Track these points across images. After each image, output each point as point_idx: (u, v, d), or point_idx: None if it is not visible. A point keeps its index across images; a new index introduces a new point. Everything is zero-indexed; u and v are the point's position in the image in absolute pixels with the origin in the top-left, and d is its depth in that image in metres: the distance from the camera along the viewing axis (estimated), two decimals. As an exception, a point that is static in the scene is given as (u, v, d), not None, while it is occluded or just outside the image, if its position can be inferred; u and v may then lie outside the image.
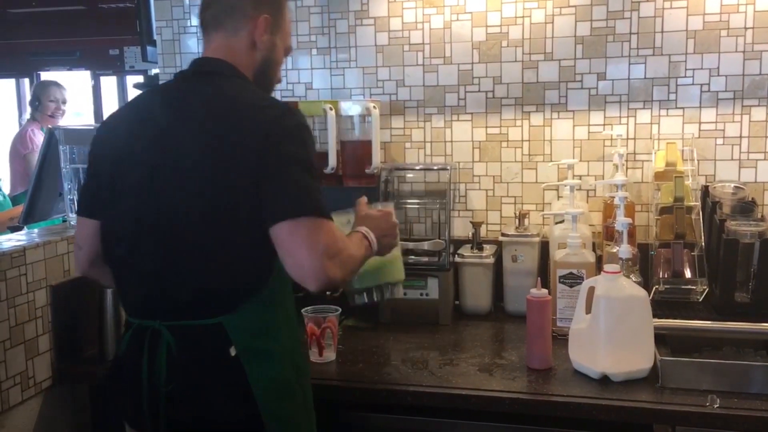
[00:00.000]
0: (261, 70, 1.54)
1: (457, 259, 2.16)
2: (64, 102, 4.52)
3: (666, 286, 1.95)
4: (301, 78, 2.45)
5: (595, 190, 2.26)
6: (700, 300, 1.94)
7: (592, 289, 1.69)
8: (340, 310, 1.85)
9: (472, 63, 2.30)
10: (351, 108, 2.30)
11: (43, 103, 4.46)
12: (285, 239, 1.32)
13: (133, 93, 6.92)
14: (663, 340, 1.72)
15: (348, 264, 1.41)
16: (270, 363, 1.39)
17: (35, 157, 3.13)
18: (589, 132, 2.24)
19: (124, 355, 1.45)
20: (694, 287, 1.94)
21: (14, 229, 2.74)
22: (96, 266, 1.54)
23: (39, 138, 4.23)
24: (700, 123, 2.17)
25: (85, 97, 6.95)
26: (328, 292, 1.85)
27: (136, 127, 1.46)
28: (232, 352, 1.35)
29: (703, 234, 1.98)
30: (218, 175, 1.35)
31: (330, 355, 1.81)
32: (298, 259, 1.32)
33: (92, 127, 2.78)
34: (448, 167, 2.27)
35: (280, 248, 1.33)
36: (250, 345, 1.37)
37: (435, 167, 2.33)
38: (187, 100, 1.45)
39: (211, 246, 1.36)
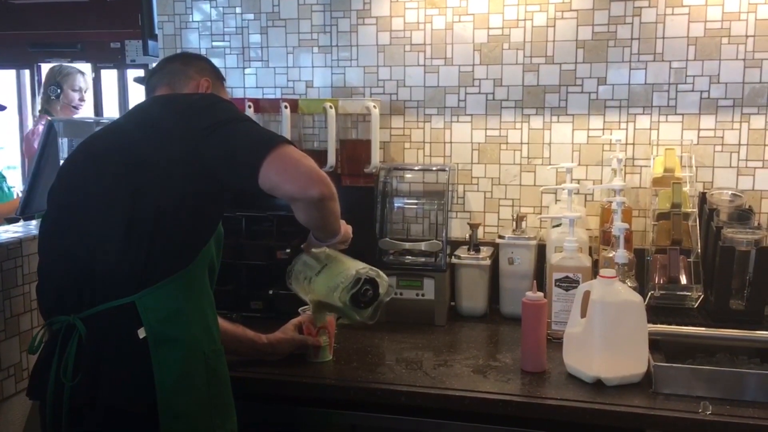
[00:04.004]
0: None
1: (454, 260, 2.16)
2: (86, 91, 4.08)
3: (661, 292, 1.95)
4: (302, 76, 2.45)
5: (593, 194, 2.26)
6: (695, 306, 1.95)
7: (587, 294, 1.69)
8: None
9: (473, 65, 2.30)
10: (351, 107, 2.31)
11: (65, 92, 3.98)
12: (272, 178, 1.39)
13: (133, 86, 6.94)
14: (657, 345, 1.73)
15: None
16: (177, 352, 1.39)
17: None
18: (588, 136, 2.25)
19: (39, 357, 1.46)
20: (689, 293, 1.95)
21: (11, 220, 2.74)
22: None
23: None
24: (699, 130, 2.17)
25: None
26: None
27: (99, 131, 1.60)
28: (141, 334, 1.36)
29: (699, 241, 1.99)
30: (149, 156, 1.43)
31: (326, 354, 1.81)
32: (290, 179, 1.40)
33: (92, 120, 2.78)
34: (447, 168, 2.27)
35: (275, 189, 1.40)
36: (160, 330, 1.37)
37: (434, 168, 2.34)
38: (136, 107, 1.64)
39: (136, 220, 1.39)
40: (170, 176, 1.42)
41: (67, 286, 1.43)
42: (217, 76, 1.78)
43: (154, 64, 3.28)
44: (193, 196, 1.44)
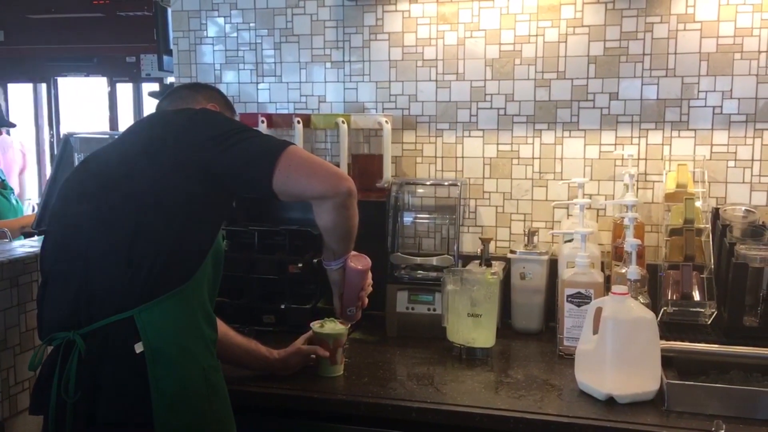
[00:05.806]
0: None
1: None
2: None
3: (674, 308, 1.94)
4: (315, 91, 2.47)
5: (605, 209, 2.26)
6: (709, 323, 1.93)
7: (599, 310, 1.68)
8: (349, 324, 1.85)
9: (485, 80, 2.31)
10: (363, 122, 2.32)
11: None
12: (294, 180, 1.42)
13: (148, 100, 7.02)
14: (670, 362, 1.72)
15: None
16: (175, 366, 1.38)
17: None
18: (600, 151, 2.25)
19: (40, 373, 1.46)
20: (702, 310, 1.94)
21: (27, 235, 2.77)
22: None
23: None
24: (711, 145, 2.17)
25: (101, 104, 7.03)
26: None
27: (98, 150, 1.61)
28: (138, 349, 1.35)
29: (712, 257, 1.98)
30: (153, 172, 1.43)
31: (338, 369, 1.82)
32: (318, 179, 1.43)
33: (108, 135, 2.81)
34: (459, 183, 2.28)
35: (298, 192, 1.44)
36: (157, 344, 1.37)
37: (445, 182, 2.34)
38: (137, 122, 1.66)
39: (139, 236, 1.39)
40: (176, 191, 1.42)
41: (68, 302, 1.43)
42: (226, 105, 1.79)
43: (169, 79, 3.32)
44: (200, 209, 1.44)
